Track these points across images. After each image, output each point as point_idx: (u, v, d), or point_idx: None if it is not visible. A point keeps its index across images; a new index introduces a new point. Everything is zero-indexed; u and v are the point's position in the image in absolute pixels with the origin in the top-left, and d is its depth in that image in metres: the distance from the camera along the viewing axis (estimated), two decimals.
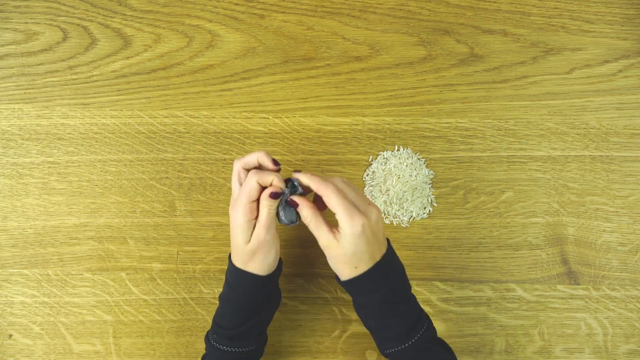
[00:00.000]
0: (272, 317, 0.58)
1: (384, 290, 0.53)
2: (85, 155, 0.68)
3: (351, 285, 0.52)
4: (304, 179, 0.52)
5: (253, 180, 0.51)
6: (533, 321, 0.66)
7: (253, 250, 0.52)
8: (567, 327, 0.66)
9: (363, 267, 0.51)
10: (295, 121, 0.69)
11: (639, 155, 0.68)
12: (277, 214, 0.53)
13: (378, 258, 0.52)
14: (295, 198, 0.52)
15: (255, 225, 0.52)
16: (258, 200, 0.52)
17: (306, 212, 0.52)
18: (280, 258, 0.57)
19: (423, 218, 0.67)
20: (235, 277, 0.54)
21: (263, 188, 0.52)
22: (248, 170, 0.53)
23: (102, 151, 0.68)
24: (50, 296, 0.66)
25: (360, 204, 0.51)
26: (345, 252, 0.51)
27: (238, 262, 0.53)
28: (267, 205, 0.51)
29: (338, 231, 0.51)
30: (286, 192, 0.52)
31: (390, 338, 0.53)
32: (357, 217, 0.50)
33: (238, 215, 0.51)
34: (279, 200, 0.52)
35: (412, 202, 0.67)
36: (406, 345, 0.52)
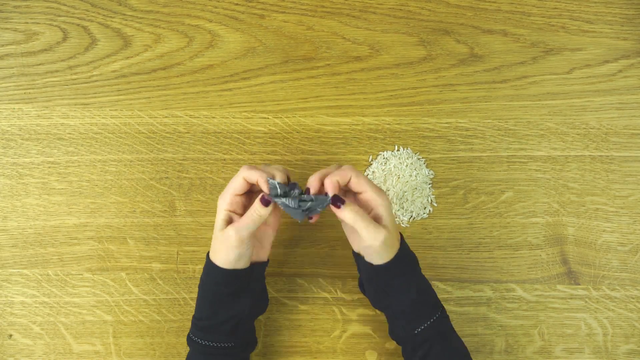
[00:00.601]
0: (249, 318, 0.57)
1: (417, 266, 0.57)
2: (85, 155, 0.68)
3: (395, 264, 0.54)
4: (332, 181, 0.53)
5: (240, 175, 0.53)
6: (533, 321, 0.66)
7: (232, 245, 0.53)
8: (567, 327, 0.66)
9: (398, 243, 0.54)
10: (295, 121, 0.69)
11: (639, 155, 0.68)
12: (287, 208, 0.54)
13: (400, 240, 0.56)
14: (340, 197, 0.53)
15: (233, 220, 0.54)
16: (245, 195, 0.55)
17: (353, 209, 0.52)
18: (265, 262, 0.58)
19: (423, 218, 0.67)
20: (207, 266, 0.56)
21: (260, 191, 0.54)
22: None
23: (102, 151, 0.68)
24: (50, 296, 0.66)
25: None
26: (391, 229, 0.53)
27: (211, 252, 0.55)
28: (256, 210, 0.53)
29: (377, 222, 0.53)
30: (296, 192, 0.53)
31: (423, 315, 0.55)
32: (382, 191, 0.54)
33: (220, 201, 0.54)
34: (269, 208, 0.52)
35: (412, 202, 0.67)
36: (435, 317, 0.55)
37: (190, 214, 0.67)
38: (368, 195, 0.53)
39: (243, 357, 0.58)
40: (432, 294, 0.57)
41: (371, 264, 0.54)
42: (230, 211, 0.54)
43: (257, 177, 0.53)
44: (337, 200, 0.52)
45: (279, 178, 0.53)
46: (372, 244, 0.52)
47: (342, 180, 0.53)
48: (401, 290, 0.54)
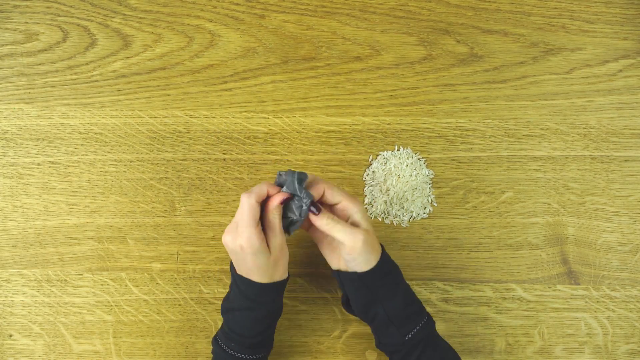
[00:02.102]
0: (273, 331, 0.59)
1: (399, 271, 0.57)
2: (85, 155, 0.68)
3: (379, 269, 0.54)
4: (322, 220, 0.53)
5: (253, 201, 0.51)
6: (533, 321, 0.66)
7: (277, 259, 0.53)
8: (567, 327, 0.66)
9: (379, 246, 0.55)
10: (295, 121, 0.69)
11: (639, 155, 0.68)
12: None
13: (380, 244, 0.56)
14: (317, 205, 0.53)
15: (268, 237, 0.53)
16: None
17: (325, 217, 0.53)
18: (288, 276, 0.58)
19: (423, 218, 0.67)
20: (262, 293, 0.54)
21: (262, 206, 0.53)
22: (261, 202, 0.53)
23: (102, 151, 0.68)
24: (50, 296, 0.66)
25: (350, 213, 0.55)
26: (371, 231, 0.54)
27: (265, 279, 0.53)
28: (277, 213, 0.52)
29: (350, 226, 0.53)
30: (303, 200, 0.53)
31: (411, 319, 0.55)
32: (354, 197, 0.55)
33: (253, 238, 0.51)
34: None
35: (412, 202, 0.67)
36: (425, 320, 0.55)
37: (190, 214, 0.67)
38: (343, 204, 0.54)
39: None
40: (416, 298, 0.57)
41: (356, 273, 0.54)
42: (264, 239, 0.52)
43: (267, 188, 0.52)
44: (314, 207, 0.52)
45: (271, 187, 0.53)
46: (354, 246, 0.51)
47: (317, 193, 0.53)
48: (390, 295, 0.55)
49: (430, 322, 0.56)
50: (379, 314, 0.55)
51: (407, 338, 0.54)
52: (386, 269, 0.55)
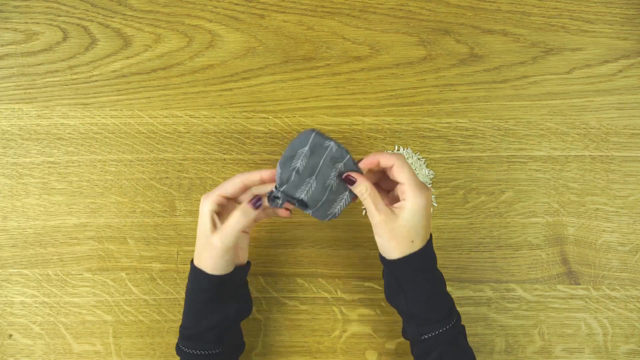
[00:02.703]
0: (234, 322, 0.57)
1: (434, 271, 0.55)
2: (85, 155, 0.68)
3: (405, 262, 0.52)
4: (371, 159, 0.53)
5: (237, 178, 0.53)
6: (533, 321, 0.66)
7: (205, 247, 0.53)
8: (567, 327, 0.66)
9: (419, 244, 0.52)
10: (295, 121, 0.69)
11: (639, 155, 0.68)
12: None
13: (428, 237, 0.54)
14: (353, 174, 0.53)
15: (216, 223, 0.53)
16: (229, 200, 0.55)
17: (363, 186, 0.52)
18: (245, 265, 0.57)
19: None
20: (191, 271, 0.55)
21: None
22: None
23: (102, 151, 0.68)
24: (50, 296, 0.66)
25: (420, 181, 0.53)
26: (407, 224, 0.51)
27: (195, 257, 0.55)
28: (244, 213, 0.52)
29: (392, 207, 0.52)
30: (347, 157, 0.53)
31: (433, 321, 0.53)
32: (424, 190, 0.52)
33: (204, 202, 0.53)
34: (256, 210, 0.53)
35: None
36: (446, 328, 0.53)
37: (190, 214, 0.67)
38: (404, 188, 0.52)
39: None
40: (446, 300, 0.55)
41: (383, 258, 0.54)
42: (215, 212, 0.53)
43: (262, 175, 0.53)
44: (349, 177, 0.53)
45: (268, 174, 0.54)
46: (377, 225, 0.52)
47: (385, 162, 0.53)
48: (412, 290, 0.54)
49: (455, 329, 0.54)
50: (400, 305, 0.55)
51: (422, 338, 0.53)
52: (413, 263, 0.53)
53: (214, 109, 0.69)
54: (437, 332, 0.53)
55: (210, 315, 0.55)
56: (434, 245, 0.66)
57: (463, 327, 0.56)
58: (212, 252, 0.52)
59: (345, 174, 0.53)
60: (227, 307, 0.55)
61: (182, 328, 0.56)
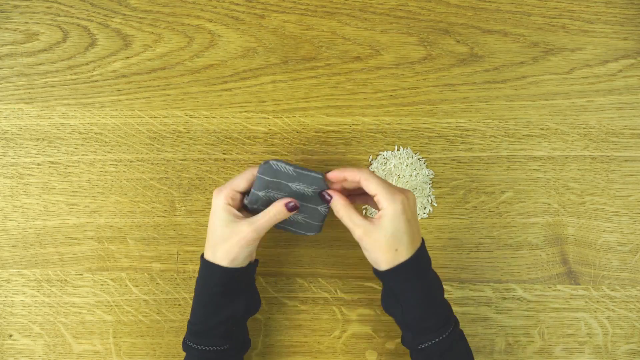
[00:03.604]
0: (241, 321, 0.57)
1: (427, 279, 0.53)
2: (85, 155, 0.68)
3: (395, 273, 0.52)
4: (337, 173, 0.54)
5: (248, 173, 0.54)
6: (533, 321, 0.66)
7: (226, 236, 0.53)
8: (567, 327, 0.66)
9: (404, 252, 0.52)
10: (295, 121, 0.69)
11: (639, 155, 0.68)
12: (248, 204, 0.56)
13: (418, 244, 0.53)
14: (329, 192, 0.54)
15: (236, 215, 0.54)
16: (242, 194, 0.55)
17: (338, 203, 0.53)
18: (255, 262, 0.58)
19: (423, 218, 0.67)
20: (202, 266, 0.55)
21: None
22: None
23: (102, 151, 0.68)
24: (50, 296, 0.66)
25: (394, 187, 0.53)
26: (386, 233, 0.51)
27: (207, 252, 0.55)
28: (278, 212, 0.54)
29: (371, 218, 0.52)
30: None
31: (429, 330, 0.53)
32: (397, 195, 0.51)
33: (219, 195, 0.54)
34: (290, 213, 0.55)
35: None
36: (442, 337, 0.52)
37: (190, 214, 0.67)
38: (377, 198, 0.52)
39: (237, 359, 0.57)
40: (441, 308, 0.54)
41: (374, 269, 0.54)
42: (231, 206, 0.54)
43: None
44: (325, 194, 0.54)
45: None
46: (359, 239, 0.52)
47: (350, 177, 0.53)
48: (406, 300, 0.53)
49: (452, 336, 0.53)
50: (396, 315, 0.54)
51: (419, 347, 0.53)
52: (406, 274, 0.52)
53: (214, 109, 0.69)
54: (433, 342, 0.52)
55: (220, 310, 0.55)
56: (434, 245, 0.67)
57: (461, 331, 0.56)
58: (238, 242, 0.53)
59: (322, 191, 0.54)
60: (238, 303, 0.55)
61: (190, 324, 0.56)
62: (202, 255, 0.56)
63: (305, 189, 0.55)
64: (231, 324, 0.55)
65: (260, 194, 0.55)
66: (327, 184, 0.55)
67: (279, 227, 0.58)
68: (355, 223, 0.52)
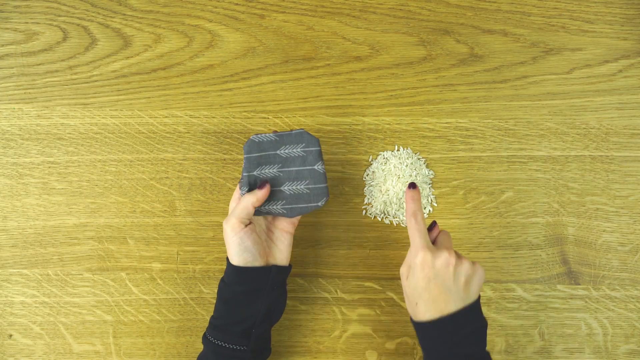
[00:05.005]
0: (263, 323, 0.56)
1: (450, 351, 0.49)
2: (85, 155, 0.68)
3: (417, 327, 0.52)
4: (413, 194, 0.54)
5: (249, 206, 0.55)
6: (533, 321, 0.66)
7: (225, 238, 0.56)
8: (567, 327, 0.66)
9: (422, 309, 0.50)
10: (295, 121, 0.69)
11: (639, 155, 0.68)
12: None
13: (447, 311, 0.49)
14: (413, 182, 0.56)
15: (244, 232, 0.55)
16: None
17: (412, 209, 0.54)
18: (286, 267, 0.58)
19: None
20: (230, 273, 0.56)
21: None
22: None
23: (102, 151, 0.68)
24: (50, 296, 0.66)
25: (437, 246, 0.53)
26: (408, 283, 0.52)
27: (234, 257, 0.56)
28: (250, 196, 0.56)
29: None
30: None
31: None
32: (422, 251, 0.51)
33: (227, 226, 0.55)
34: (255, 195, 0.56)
35: None
36: None
37: (190, 214, 0.67)
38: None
39: None
40: None
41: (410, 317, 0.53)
42: (243, 232, 0.55)
43: (261, 196, 0.56)
44: (412, 185, 0.55)
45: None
46: (405, 269, 0.53)
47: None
48: (426, 357, 0.51)
49: None
50: None
51: None
52: (426, 334, 0.49)
53: (214, 109, 0.69)
54: None
55: (239, 309, 0.55)
56: None
57: None
58: (226, 238, 0.55)
59: (410, 183, 0.55)
60: (257, 305, 0.55)
61: (212, 318, 0.57)
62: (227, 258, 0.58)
63: (294, 150, 0.57)
64: (249, 325, 0.55)
65: (255, 172, 0.57)
66: (311, 135, 0.57)
67: (291, 215, 0.58)
68: (410, 252, 0.52)
